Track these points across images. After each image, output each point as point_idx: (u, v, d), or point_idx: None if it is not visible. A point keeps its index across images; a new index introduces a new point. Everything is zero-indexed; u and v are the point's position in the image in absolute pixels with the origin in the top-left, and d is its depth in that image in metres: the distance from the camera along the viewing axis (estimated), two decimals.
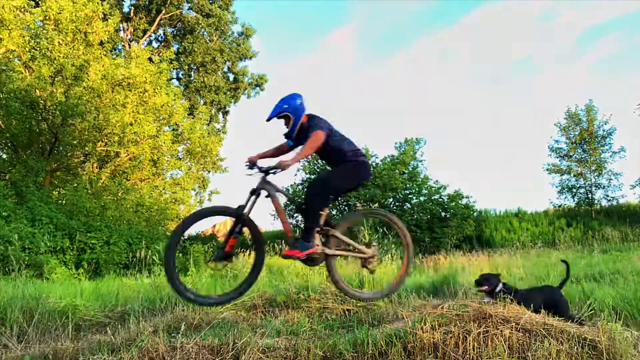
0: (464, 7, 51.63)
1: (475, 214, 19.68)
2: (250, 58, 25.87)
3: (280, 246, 10.09)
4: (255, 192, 3.53)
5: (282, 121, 3.67)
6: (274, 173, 3.57)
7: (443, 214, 19.06)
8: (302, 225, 3.78)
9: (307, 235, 3.44)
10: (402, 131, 32.52)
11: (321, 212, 3.53)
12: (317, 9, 51.95)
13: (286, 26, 53.98)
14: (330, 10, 51.63)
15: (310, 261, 3.59)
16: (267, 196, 3.60)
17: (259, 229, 3.66)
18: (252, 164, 3.67)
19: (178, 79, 25.20)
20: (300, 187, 21.11)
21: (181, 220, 3.59)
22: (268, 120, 3.65)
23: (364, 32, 56.14)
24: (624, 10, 44.80)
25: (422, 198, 19.43)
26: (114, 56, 17.96)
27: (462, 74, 52.84)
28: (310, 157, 21.34)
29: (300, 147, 3.64)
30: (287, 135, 3.67)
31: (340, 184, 3.63)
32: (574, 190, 20.13)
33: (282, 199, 3.68)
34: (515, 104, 53.08)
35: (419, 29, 54.12)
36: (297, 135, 3.65)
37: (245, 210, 3.47)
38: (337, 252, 3.70)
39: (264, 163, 3.73)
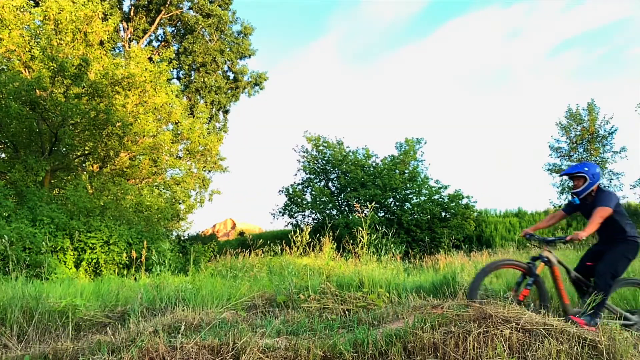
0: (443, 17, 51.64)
1: (475, 214, 19.68)
2: (250, 56, 25.89)
3: (280, 246, 10.06)
4: (540, 259, 4.10)
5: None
6: (563, 243, 4.51)
7: (443, 214, 19.05)
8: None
9: (599, 311, 3.81)
10: (401, 132, 32.53)
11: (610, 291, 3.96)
12: (299, 21, 52.24)
13: (270, 35, 54.13)
14: (311, 23, 51.82)
15: None
16: (546, 263, 4.11)
17: (546, 289, 4.15)
18: (530, 236, 4.40)
19: (178, 78, 25.22)
20: (300, 186, 21.04)
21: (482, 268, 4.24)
22: (564, 174, 4.30)
23: (344, 43, 56.46)
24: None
25: (422, 198, 19.43)
26: (114, 56, 17.95)
27: (447, 80, 53.05)
28: (310, 156, 21.36)
29: (588, 223, 4.00)
30: (575, 194, 4.25)
31: (626, 263, 4.06)
32: None
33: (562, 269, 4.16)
34: (508, 105, 53.08)
35: (400, 38, 54.41)
36: (583, 199, 4.21)
37: (537, 271, 4.03)
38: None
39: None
